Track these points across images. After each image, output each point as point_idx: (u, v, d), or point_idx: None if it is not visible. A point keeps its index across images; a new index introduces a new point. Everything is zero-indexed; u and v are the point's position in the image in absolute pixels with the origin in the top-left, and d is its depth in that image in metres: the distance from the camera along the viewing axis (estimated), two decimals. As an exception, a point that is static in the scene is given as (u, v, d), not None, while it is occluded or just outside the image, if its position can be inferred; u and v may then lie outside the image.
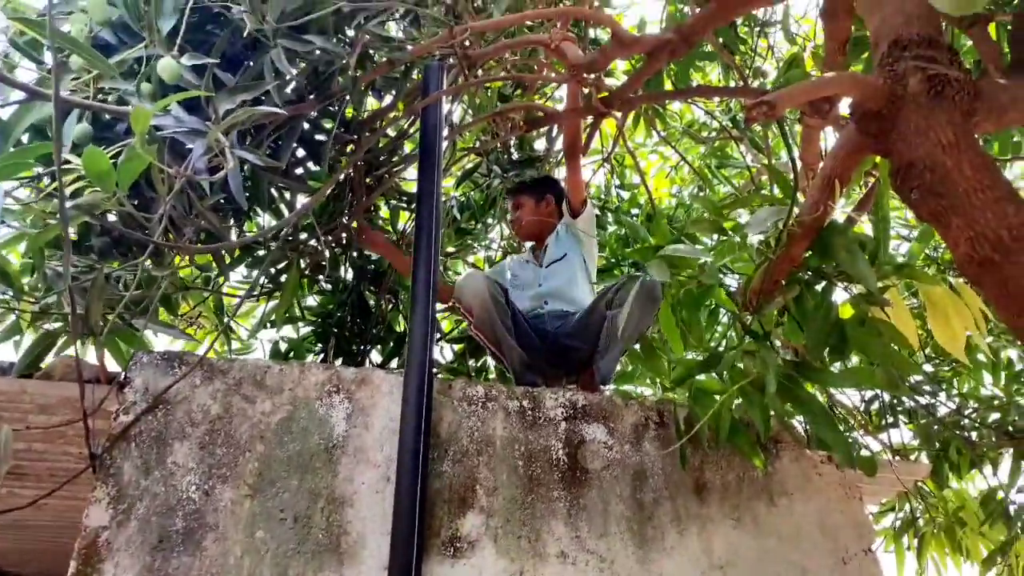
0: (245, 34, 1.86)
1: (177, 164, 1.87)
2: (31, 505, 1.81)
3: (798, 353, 2.30)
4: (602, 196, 4.55)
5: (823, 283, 2.00)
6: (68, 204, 1.56)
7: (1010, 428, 3.22)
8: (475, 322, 2.65)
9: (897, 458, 2.75)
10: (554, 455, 2.04)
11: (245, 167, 2.42)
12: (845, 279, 1.98)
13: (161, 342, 3.83)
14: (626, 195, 4.50)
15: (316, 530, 1.79)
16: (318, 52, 1.97)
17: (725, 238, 2.17)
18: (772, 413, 2.13)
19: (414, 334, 2.06)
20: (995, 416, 3.31)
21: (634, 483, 2.06)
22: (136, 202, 2.15)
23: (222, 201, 2.50)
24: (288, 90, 2.16)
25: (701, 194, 4.43)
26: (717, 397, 2.12)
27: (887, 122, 1.73)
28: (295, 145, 2.60)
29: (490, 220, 4.15)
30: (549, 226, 3.21)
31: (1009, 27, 2.64)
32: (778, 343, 2.19)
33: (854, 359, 2.54)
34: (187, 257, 2.69)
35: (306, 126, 2.54)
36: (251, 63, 2.01)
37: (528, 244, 3.36)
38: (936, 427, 3.30)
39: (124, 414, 1.82)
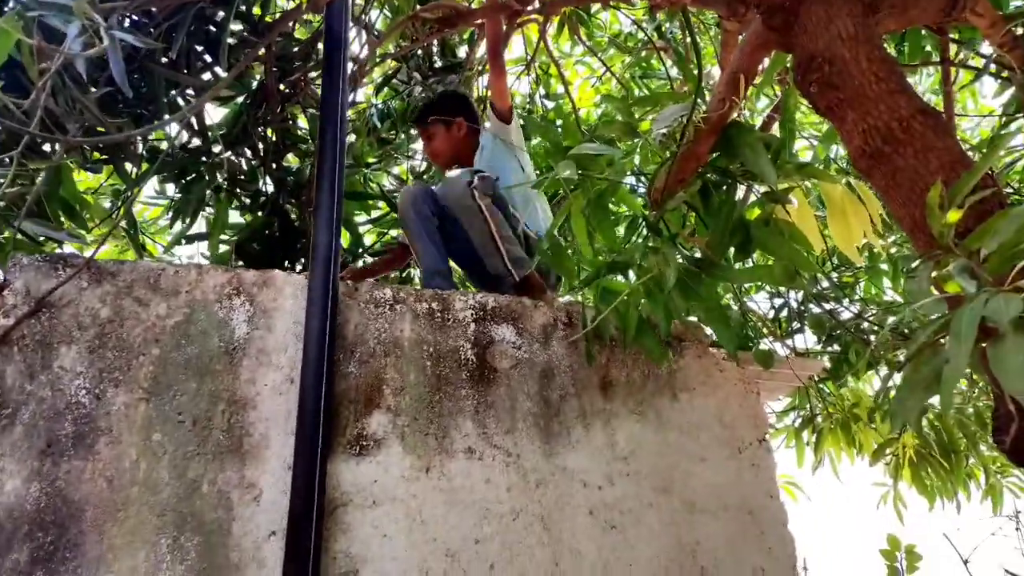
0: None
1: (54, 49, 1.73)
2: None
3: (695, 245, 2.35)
4: (527, 106, 4.46)
5: (727, 181, 2.01)
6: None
7: (906, 331, 3.39)
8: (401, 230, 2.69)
9: (788, 348, 2.88)
10: (463, 356, 2.04)
11: (136, 61, 2.26)
12: (750, 179, 2.00)
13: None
14: (551, 105, 4.43)
15: (217, 432, 1.76)
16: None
17: (631, 133, 2.16)
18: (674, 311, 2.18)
19: (318, 237, 2.00)
20: (892, 319, 3.47)
21: (541, 381, 2.09)
22: (15, 95, 1.99)
23: (120, 106, 2.34)
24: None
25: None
26: (624, 296, 2.15)
27: (791, 15, 1.72)
28: (200, 49, 2.44)
29: (412, 130, 4.03)
30: (469, 146, 3.06)
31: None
32: (688, 244, 2.22)
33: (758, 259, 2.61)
34: (88, 164, 2.53)
35: (211, 28, 2.38)
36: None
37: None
38: (837, 331, 3.45)
39: (4, 317, 1.72)
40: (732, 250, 2.03)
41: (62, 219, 2.44)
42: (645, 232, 2.13)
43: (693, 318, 2.31)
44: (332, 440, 1.83)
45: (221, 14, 2.43)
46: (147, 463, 1.68)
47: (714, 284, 1.94)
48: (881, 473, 3.71)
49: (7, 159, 1.74)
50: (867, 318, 3.46)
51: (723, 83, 1.87)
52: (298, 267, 3.40)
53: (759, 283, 3.48)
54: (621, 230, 2.68)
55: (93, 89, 2.11)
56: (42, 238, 2.22)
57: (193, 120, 2.92)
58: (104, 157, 2.40)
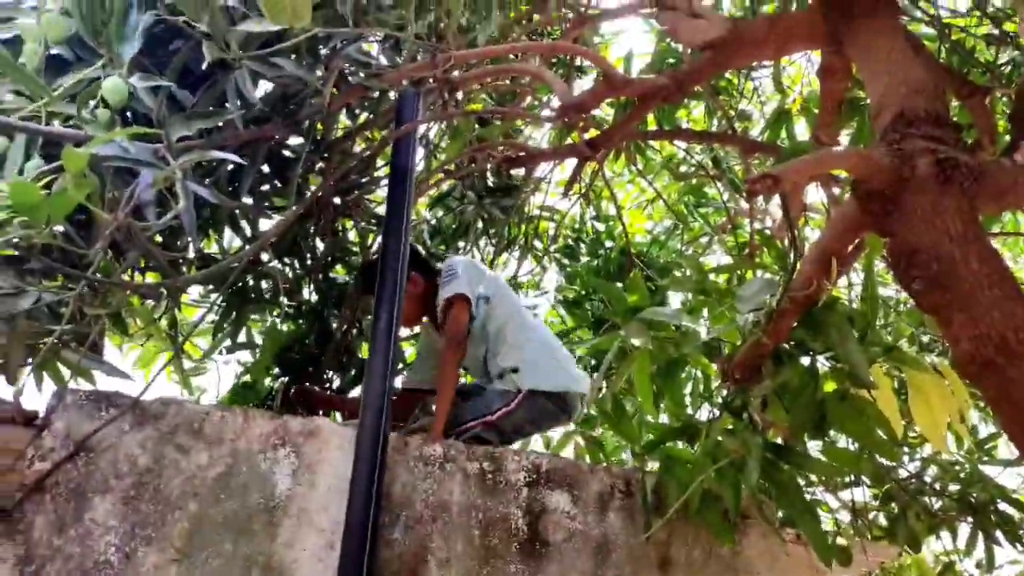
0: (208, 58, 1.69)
1: (124, 187, 1.70)
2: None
3: (768, 429, 2.21)
4: (576, 226, 4.43)
5: (808, 359, 1.90)
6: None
7: (972, 499, 3.17)
8: None
9: (866, 538, 2.67)
10: (513, 524, 1.90)
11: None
12: (833, 358, 1.89)
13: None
14: (601, 227, 4.39)
15: (248, 602, 1.62)
16: (286, 76, 1.81)
17: (705, 298, 2.07)
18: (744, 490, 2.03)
19: (371, 385, 1.91)
20: (955, 486, 3.25)
21: (596, 557, 1.93)
22: (83, 216, 1.96)
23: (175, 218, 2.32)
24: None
25: (677, 232, 4.35)
26: (689, 466, 2.01)
27: (891, 203, 1.64)
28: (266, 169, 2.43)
29: (460, 244, 4.01)
30: (430, 297, 2.81)
31: (1006, 99, 2.61)
32: (754, 415, 2.09)
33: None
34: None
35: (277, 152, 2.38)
36: (214, 82, 1.84)
37: None
38: (898, 492, 3.24)
39: (40, 461, 1.63)
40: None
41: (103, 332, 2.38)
42: (717, 403, 2.01)
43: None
44: (370, 617, 1.68)
45: (291, 139, 2.43)
46: (171, 636, 1.54)
47: (795, 471, 1.80)
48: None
49: (67, 300, 1.68)
50: (929, 482, 3.25)
51: (811, 261, 1.78)
52: (334, 378, 3.31)
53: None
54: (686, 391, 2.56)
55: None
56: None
57: (246, 228, 2.90)
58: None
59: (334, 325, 3.31)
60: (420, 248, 3.16)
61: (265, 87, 2.13)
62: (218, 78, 1.84)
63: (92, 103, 1.64)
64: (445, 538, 1.82)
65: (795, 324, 1.90)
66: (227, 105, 1.74)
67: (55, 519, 1.59)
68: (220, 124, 1.74)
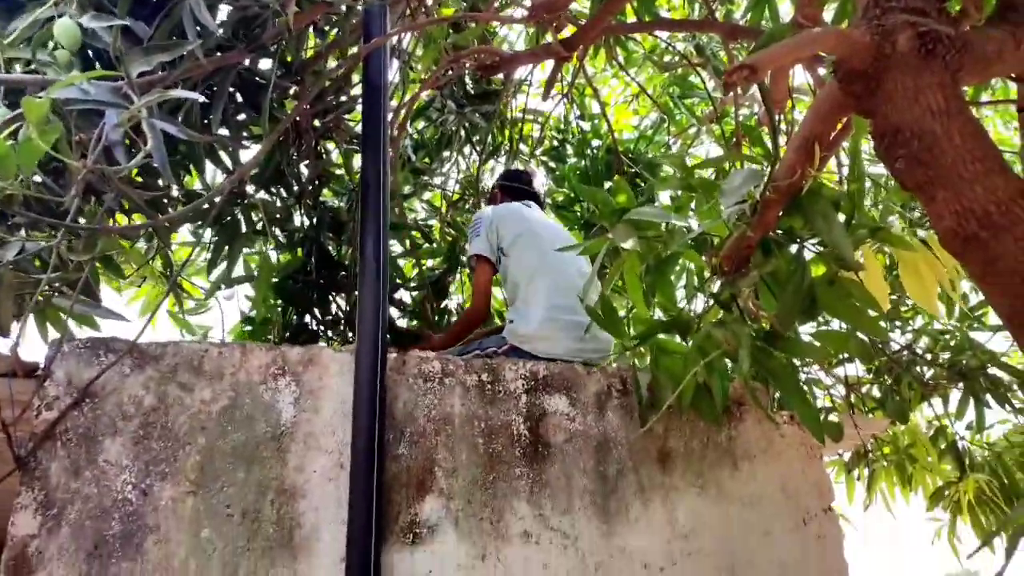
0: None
1: (91, 128, 1.65)
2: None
3: (758, 316, 2.24)
4: (561, 127, 4.34)
5: (796, 247, 1.90)
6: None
7: (962, 366, 3.26)
8: None
9: (855, 411, 2.75)
10: (515, 430, 1.96)
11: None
12: (820, 244, 1.89)
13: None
14: (587, 126, 4.30)
15: (266, 524, 1.69)
16: (242, -2, 1.73)
17: (691, 194, 2.05)
18: (734, 378, 2.08)
19: (364, 309, 1.92)
20: (946, 355, 3.33)
21: (597, 455, 2.00)
22: (60, 163, 1.92)
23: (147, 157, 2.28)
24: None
25: (664, 126, 4.26)
26: (680, 359, 2.05)
27: (872, 81, 1.60)
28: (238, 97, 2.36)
29: (445, 153, 3.94)
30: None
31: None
32: (743, 305, 2.11)
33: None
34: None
35: (249, 79, 2.30)
36: (169, 11, 1.76)
37: None
38: (890, 365, 3.32)
39: (47, 410, 1.66)
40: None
41: (99, 272, 2.38)
42: (708, 297, 2.02)
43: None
44: (385, 529, 1.75)
45: (261, 64, 2.34)
46: (197, 562, 1.62)
47: (786, 358, 1.83)
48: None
49: (49, 247, 1.67)
50: (918, 351, 3.32)
51: (794, 148, 1.75)
52: (340, 300, 3.32)
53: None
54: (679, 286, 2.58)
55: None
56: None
57: (227, 160, 2.85)
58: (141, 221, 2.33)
59: (331, 249, 3.31)
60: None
61: (226, 10, 2.04)
62: (172, 5, 1.76)
63: (50, 45, 1.58)
64: (450, 449, 1.88)
65: (781, 212, 1.89)
66: (186, 35, 1.67)
67: (69, 464, 1.64)
68: (182, 55, 1.68)
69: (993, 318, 3.52)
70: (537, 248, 2.54)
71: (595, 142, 4.31)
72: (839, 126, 1.90)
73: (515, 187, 2.90)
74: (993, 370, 3.20)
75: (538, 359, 2.21)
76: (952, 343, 3.39)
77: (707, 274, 2.24)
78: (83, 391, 1.68)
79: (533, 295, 2.43)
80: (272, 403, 1.81)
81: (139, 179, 2.34)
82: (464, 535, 1.80)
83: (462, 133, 3.72)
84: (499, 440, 1.93)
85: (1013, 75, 2.08)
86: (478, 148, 3.92)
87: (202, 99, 1.44)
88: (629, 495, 1.97)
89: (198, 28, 1.76)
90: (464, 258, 2.67)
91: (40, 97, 1.36)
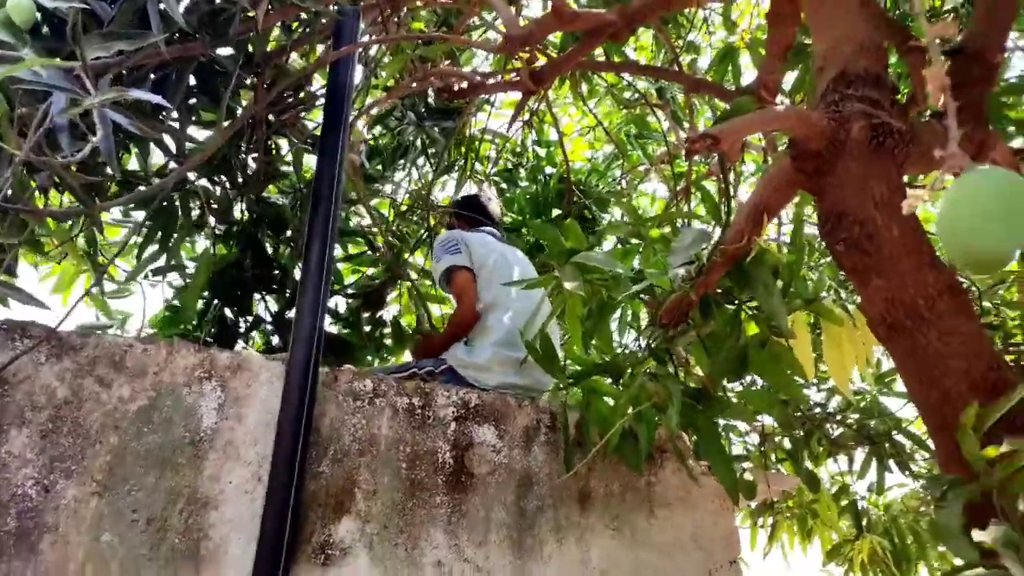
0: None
1: (34, 104, 1.57)
2: None
3: (687, 367, 2.29)
4: (517, 150, 4.37)
5: (734, 308, 1.96)
6: None
7: (870, 428, 3.41)
8: None
9: (771, 470, 2.85)
10: (440, 458, 1.95)
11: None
12: (757, 309, 1.95)
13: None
14: (542, 152, 4.34)
15: (172, 534, 1.63)
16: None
17: (639, 242, 2.10)
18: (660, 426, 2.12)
19: (302, 319, 1.88)
20: (855, 416, 3.49)
21: (519, 489, 2.01)
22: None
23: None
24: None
25: (617, 162, 4.33)
26: (609, 401, 2.08)
27: (825, 164, 1.67)
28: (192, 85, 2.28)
29: (400, 162, 3.90)
30: None
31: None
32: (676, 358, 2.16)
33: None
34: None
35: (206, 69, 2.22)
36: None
37: None
38: (803, 420, 3.45)
39: (-50, 392, 1.57)
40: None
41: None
42: (643, 342, 2.06)
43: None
44: (296, 547, 1.71)
45: (219, 52, 2.28)
46: (94, 567, 1.55)
47: (713, 417, 1.89)
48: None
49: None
50: (830, 410, 3.47)
51: (744, 215, 1.81)
52: (270, 301, 3.24)
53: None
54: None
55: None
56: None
57: (170, 142, 2.75)
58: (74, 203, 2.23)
59: (268, 247, 3.23)
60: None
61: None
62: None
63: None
64: (372, 471, 1.86)
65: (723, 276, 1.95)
66: (149, 20, 1.61)
67: (-33, 451, 1.54)
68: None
69: (900, 385, 3.70)
70: (499, 280, 2.57)
71: (549, 169, 4.36)
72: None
73: (470, 216, 2.90)
74: (898, 436, 3.37)
75: (472, 387, 2.21)
76: (862, 405, 3.56)
77: (644, 321, 2.29)
78: (-8, 376, 1.59)
79: (487, 328, 2.43)
80: (194, 407, 1.75)
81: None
82: (377, 560, 1.78)
83: (418, 145, 3.70)
84: (423, 466, 1.91)
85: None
86: (432, 162, 3.90)
87: (161, 101, 1.38)
88: (545, 532, 1.98)
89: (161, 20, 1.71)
90: (436, 275, 2.67)
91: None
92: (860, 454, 3.66)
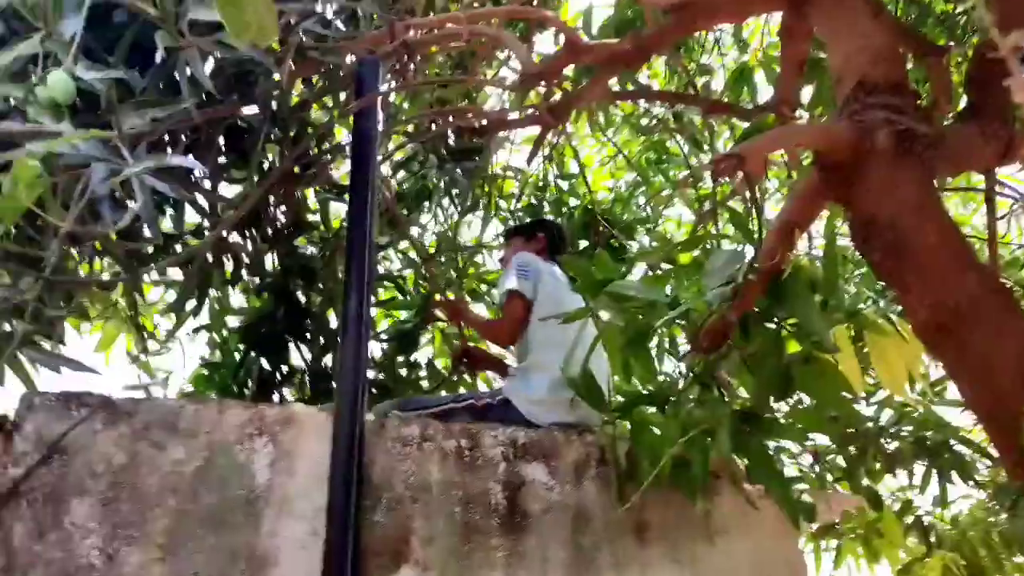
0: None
1: (76, 175, 1.64)
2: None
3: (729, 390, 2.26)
4: (540, 185, 4.41)
5: (774, 327, 1.94)
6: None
7: (927, 440, 3.32)
8: None
9: (828, 491, 2.79)
10: (493, 499, 1.94)
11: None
12: (796, 326, 1.94)
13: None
14: (565, 185, 4.38)
15: (235, 593, 1.65)
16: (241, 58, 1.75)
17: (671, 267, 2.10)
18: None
19: (344, 369, 1.91)
20: (909, 427, 3.39)
21: (574, 526, 1.99)
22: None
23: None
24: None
25: (640, 189, 4.35)
26: (657, 431, 2.06)
27: (852, 174, 1.66)
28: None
29: (425, 204, 3.96)
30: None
31: (963, 62, 2.64)
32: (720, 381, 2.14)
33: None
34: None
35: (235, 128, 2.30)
36: (164, 62, 1.77)
37: None
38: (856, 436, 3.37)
39: (14, 467, 1.61)
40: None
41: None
42: (686, 370, 2.05)
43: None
44: (357, 600, 1.71)
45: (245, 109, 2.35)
46: (160, 632, 1.56)
47: (763, 439, 1.86)
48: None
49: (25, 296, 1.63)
50: (883, 423, 3.38)
51: (775, 233, 1.80)
52: (304, 350, 3.28)
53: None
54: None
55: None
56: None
57: (203, 201, 2.83)
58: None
59: (300, 297, 3.29)
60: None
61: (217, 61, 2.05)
62: (167, 58, 1.77)
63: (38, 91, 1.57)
64: (426, 517, 1.86)
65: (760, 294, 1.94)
66: (179, 87, 1.68)
67: (34, 525, 1.58)
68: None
69: (953, 391, 3.61)
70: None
71: (572, 201, 4.39)
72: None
73: (552, 244, 2.90)
74: (957, 445, 3.26)
75: (523, 421, 2.21)
76: (915, 416, 3.47)
77: (682, 347, 2.27)
78: (52, 447, 1.63)
79: (546, 365, 2.38)
80: (247, 464, 1.77)
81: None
82: (438, 607, 1.77)
83: (442, 186, 3.75)
84: (477, 509, 1.91)
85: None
86: (457, 202, 3.95)
87: (197, 165, 1.44)
88: (604, 568, 1.96)
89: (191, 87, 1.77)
90: (499, 288, 2.68)
91: (31, 151, 1.35)
92: (919, 467, 3.55)
